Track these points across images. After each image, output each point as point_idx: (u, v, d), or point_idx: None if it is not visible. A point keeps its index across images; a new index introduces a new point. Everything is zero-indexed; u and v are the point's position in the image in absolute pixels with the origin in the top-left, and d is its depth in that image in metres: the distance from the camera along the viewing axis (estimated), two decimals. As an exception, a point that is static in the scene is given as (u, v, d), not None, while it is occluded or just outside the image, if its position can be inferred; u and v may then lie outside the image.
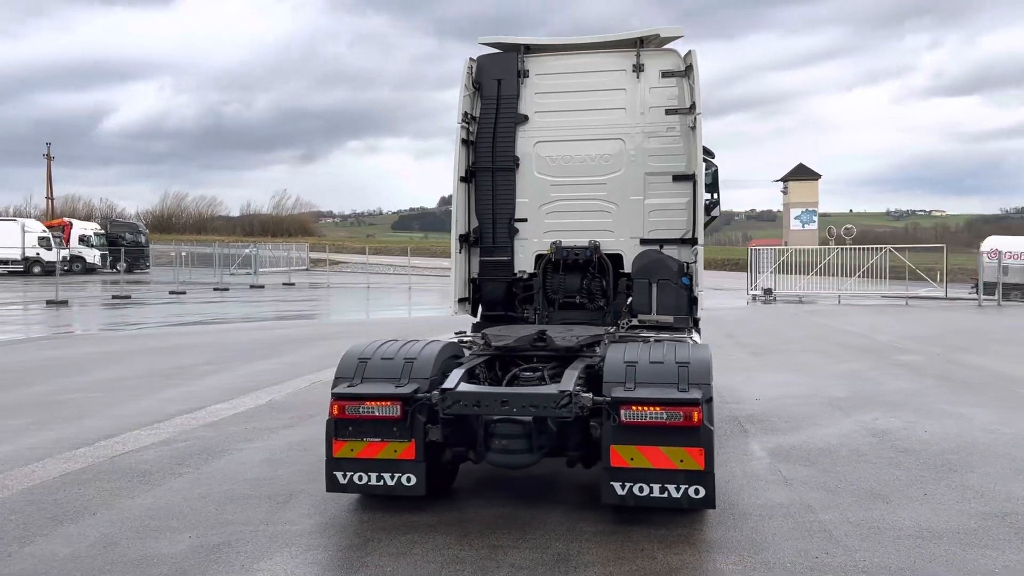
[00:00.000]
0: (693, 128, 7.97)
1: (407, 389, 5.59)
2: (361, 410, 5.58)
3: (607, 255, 8.23)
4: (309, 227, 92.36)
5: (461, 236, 8.41)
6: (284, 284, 41.46)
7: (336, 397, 5.65)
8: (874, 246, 33.76)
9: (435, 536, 5.31)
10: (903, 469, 6.91)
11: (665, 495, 5.26)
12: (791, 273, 33.99)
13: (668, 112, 8.18)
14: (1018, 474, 6.78)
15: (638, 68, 8.24)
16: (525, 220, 8.46)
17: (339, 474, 5.70)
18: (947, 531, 5.38)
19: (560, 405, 5.28)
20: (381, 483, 5.65)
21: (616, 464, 5.29)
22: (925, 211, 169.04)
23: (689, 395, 5.23)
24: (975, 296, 30.18)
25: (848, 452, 7.47)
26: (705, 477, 5.21)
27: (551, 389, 5.45)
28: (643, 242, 8.23)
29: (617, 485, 5.31)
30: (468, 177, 8.47)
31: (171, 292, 33.93)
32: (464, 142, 8.35)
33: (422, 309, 28.74)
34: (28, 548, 5.18)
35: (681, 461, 5.20)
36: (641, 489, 5.28)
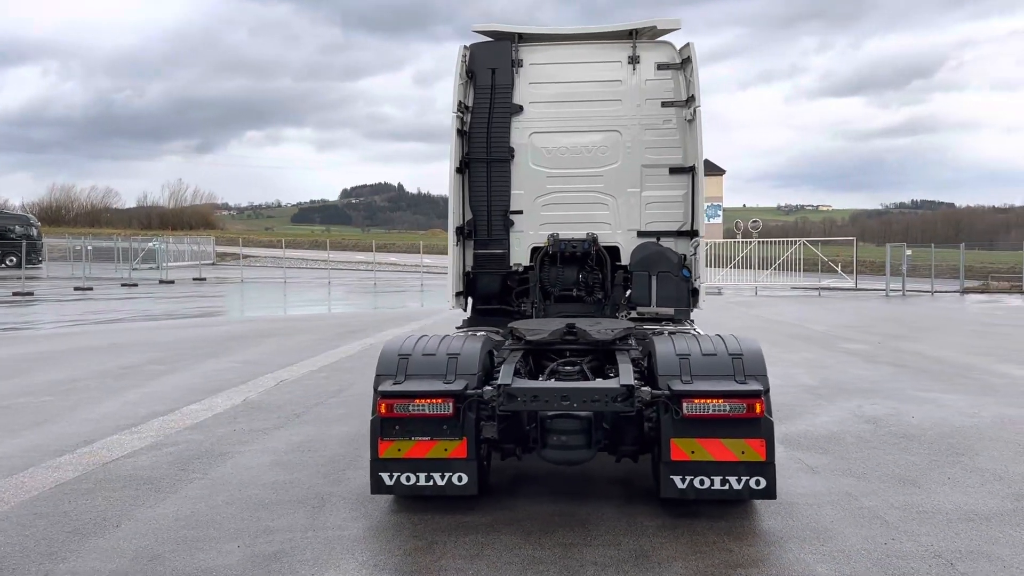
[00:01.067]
0: (690, 121, 8.01)
1: (457, 386, 5.40)
2: (411, 408, 5.35)
3: (603, 247, 8.19)
4: (211, 220, 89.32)
5: (457, 229, 8.23)
6: (195, 279, 39.91)
7: (383, 396, 5.40)
8: (790, 239, 34.98)
9: (500, 536, 5.15)
10: (914, 454, 7.12)
11: (726, 487, 5.25)
12: (709, 266, 34.88)
13: (664, 104, 8.19)
14: (1020, 455, 7.08)
15: (634, 60, 8.21)
16: (521, 212, 8.33)
17: (385, 475, 5.47)
18: (991, 513, 5.56)
19: (622, 399, 5.21)
20: (431, 483, 5.44)
21: (676, 458, 5.25)
22: (813, 206, 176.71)
23: (750, 387, 5.23)
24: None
25: (854, 439, 7.65)
26: (766, 468, 5.23)
27: (612, 383, 5.36)
28: (640, 234, 8.23)
29: (677, 479, 5.28)
30: (462, 168, 8.29)
31: (76, 288, 32.20)
32: (459, 132, 8.17)
33: (345, 305, 28.20)
34: (64, 565, 4.78)
35: (743, 453, 5.20)
36: (702, 482, 5.26)
